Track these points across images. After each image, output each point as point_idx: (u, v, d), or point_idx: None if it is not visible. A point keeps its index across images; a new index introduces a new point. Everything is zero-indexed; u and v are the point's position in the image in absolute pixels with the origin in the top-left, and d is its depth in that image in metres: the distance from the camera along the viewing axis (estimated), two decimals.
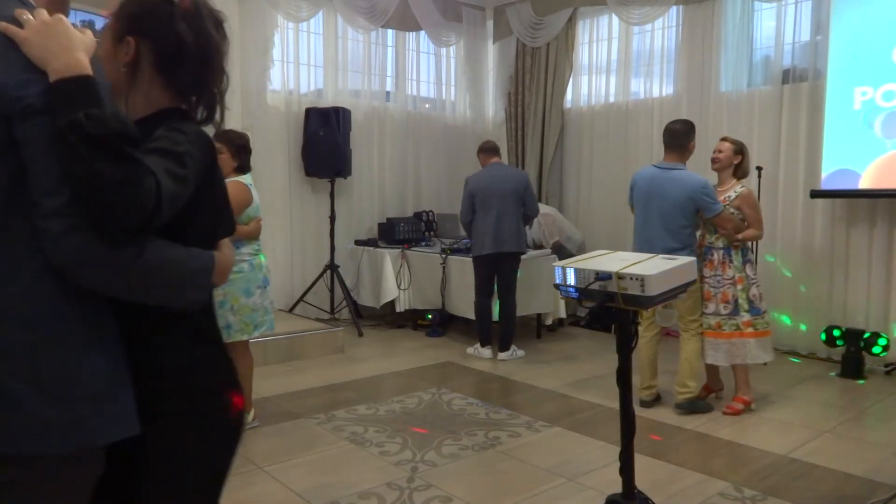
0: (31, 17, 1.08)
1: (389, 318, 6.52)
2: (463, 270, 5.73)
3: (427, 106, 7.58)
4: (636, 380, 3.75)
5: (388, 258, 6.22)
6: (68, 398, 1.07)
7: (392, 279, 6.19)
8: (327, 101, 6.46)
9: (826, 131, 5.14)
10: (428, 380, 4.75)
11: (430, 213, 6.90)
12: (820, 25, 5.34)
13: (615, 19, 6.66)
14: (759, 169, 5.06)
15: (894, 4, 4.82)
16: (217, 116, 1.36)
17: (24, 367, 1.04)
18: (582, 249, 6.36)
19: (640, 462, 2.45)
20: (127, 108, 1.27)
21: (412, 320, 6.43)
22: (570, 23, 6.98)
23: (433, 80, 7.55)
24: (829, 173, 5.12)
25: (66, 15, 1.17)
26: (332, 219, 6.30)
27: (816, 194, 5.22)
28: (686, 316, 4.03)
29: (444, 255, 5.91)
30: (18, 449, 1.04)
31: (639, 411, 3.19)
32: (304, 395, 4.38)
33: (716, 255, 4.01)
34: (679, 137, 4.06)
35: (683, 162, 4.08)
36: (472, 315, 5.54)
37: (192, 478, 1.28)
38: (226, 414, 1.31)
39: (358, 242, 6.67)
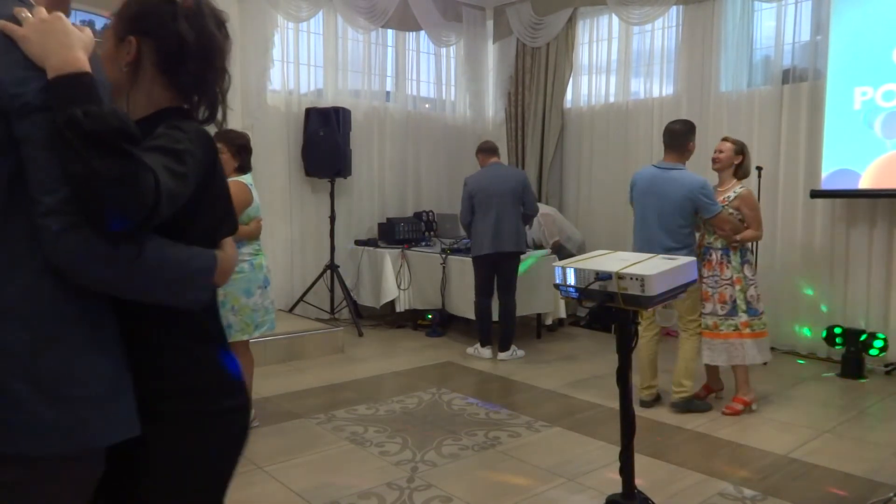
0: (29, 15, 1.08)
1: (389, 318, 6.51)
2: (463, 270, 5.72)
3: (427, 106, 7.58)
4: (636, 380, 3.76)
5: (388, 258, 6.22)
6: (69, 398, 1.06)
7: (392, 279, 6.19)
8: (327, 101, 6.46)
9: (826, 131, 5.14)
10: (428, 380, 4.75)
11: (430, 213, 6.90)
12: (820, 25, 5.34)
13: (615, 19, 6.66)
14: (759, 169, 5.05)
15: (894, 4, 4.82)
16: (219, 116, 1.35)
17: (24, 367, 1.03)
18: (582, 249, 6.36)
19: (640, 462, 2.45)
20: (128, 107, 1.27)
21: (412, 320, 6.42)
22: (570, 23, 6.98)
23: (433, 80, 7.55)
24: (829, 173, 5.12)
25: (67, 14, 1.17)
26: (332, 219, 6.30)
27: (816, 194, 5.22)
28: (685, 316, 4.04)
29: (443, 255, 5.91)
30: (19, 449, 1.03)
31: (639, 411, 3.19)
32: (304, 395, 4.38)
33: (714, 256, 4.01)
34: (679, 137, 4.06)
35: (683, 162, 4.08)
36: (472, 315, 5.54)
37: (193, 478, 1.27)
38: (228, 415, 1.30)
39: (358, 242, 6.67)
